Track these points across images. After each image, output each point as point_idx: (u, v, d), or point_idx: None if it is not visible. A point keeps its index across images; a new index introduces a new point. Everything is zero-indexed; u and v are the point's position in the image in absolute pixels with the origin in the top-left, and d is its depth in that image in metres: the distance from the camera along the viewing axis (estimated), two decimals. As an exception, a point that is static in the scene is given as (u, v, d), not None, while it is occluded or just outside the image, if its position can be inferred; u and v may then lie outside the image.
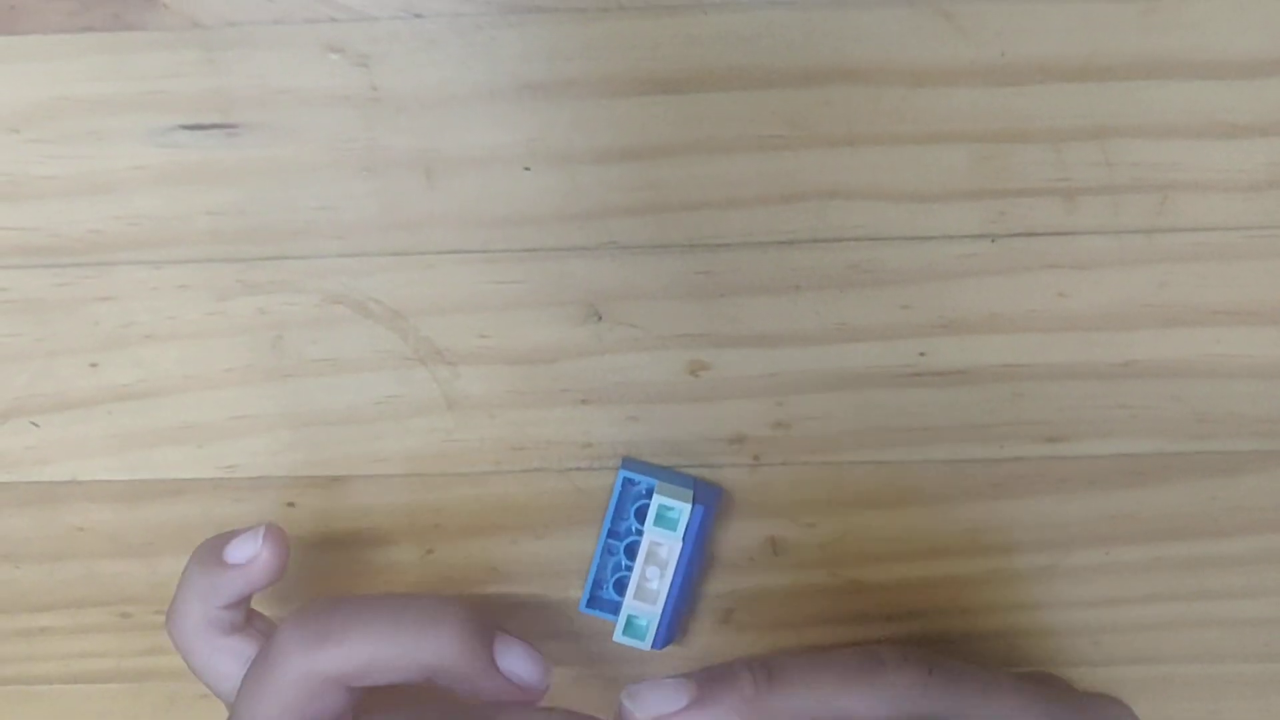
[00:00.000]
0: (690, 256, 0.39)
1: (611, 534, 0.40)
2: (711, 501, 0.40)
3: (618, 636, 0.39)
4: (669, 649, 0.42)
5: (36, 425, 0.41)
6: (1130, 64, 0.37)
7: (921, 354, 0.39)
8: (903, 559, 0.41)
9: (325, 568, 0.42)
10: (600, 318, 0.40)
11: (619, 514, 0.40)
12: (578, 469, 0.41)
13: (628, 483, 0.39)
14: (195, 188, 0.39)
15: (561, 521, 0.41)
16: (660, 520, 0.38)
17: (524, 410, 0.40)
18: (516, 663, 0.36)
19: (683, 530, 0.38)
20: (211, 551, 0.37)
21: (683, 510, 0.38)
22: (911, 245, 0.39)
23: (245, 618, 0.38)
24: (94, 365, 0.40)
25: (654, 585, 0.39)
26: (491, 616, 0.37)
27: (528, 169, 0.38)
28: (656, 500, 0.38)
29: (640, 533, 0.39)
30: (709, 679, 0.34)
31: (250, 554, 0.37)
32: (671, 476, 0.40)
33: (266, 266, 0.40)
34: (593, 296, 0.39)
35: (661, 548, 0.39)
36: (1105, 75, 0.37)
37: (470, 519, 0.41)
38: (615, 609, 0.39)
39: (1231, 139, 0.38)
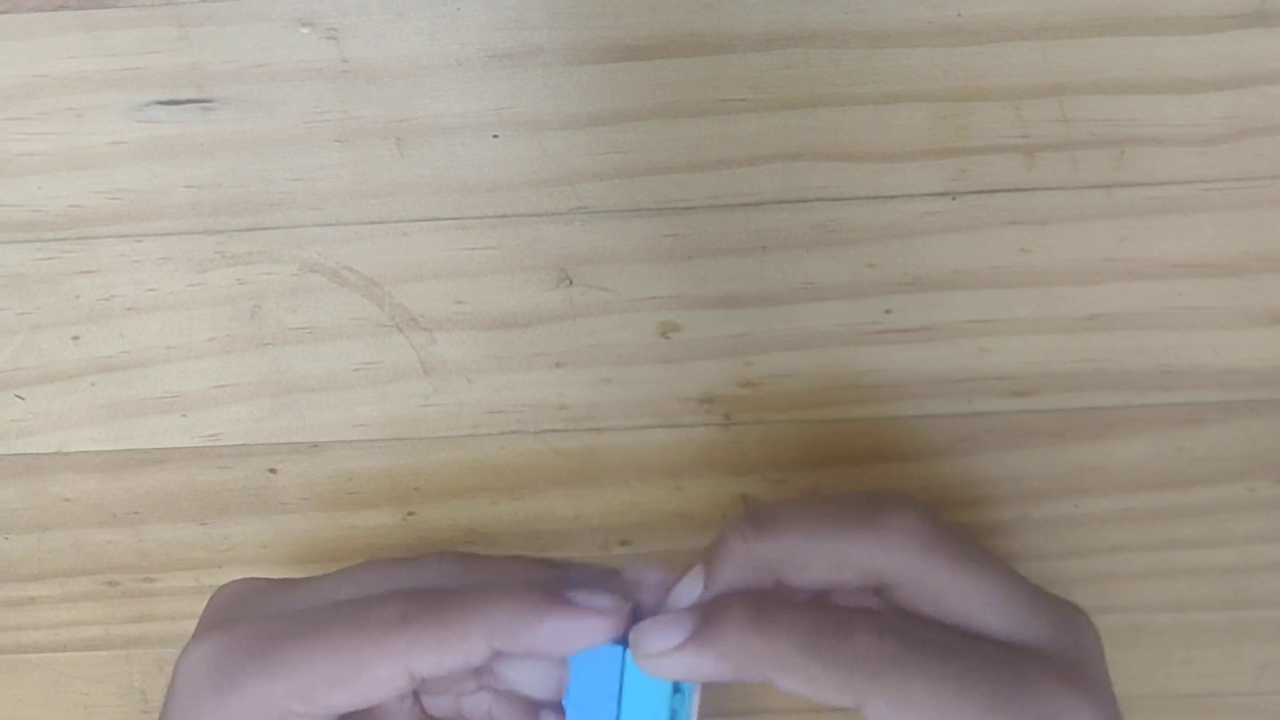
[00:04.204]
0: (658, 220, 0.40)
1: None
2: None
3: None
4: None
5: (21, 398, 0.42)
6: (1086, 21, 0.38)
7: (887, 311, 0.40)
8: (873, 513, 0.42)
9: (308, 533, 0.43)
10: (571, 282, 0.40)
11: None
12: (553, 431, 0.42)
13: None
14: (173, 162, 0.40)
15: (538, 483, 0.42)
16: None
17: (500, 374, 0.41)
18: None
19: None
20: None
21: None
22: (875, 204, 0.39)
23: None
24: (76, 338, 0.41)
25: None
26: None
27: (496, 136, 0.39)
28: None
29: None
30: (709, 561, 0.35)
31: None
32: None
33: (245, 237, 0.40)
34: (564, 261, 0.40)
35: None
36: (1061, 33, 0.38)
37: (449, 482, 0.42)
38: None
39: (1187, 93, 0.38)
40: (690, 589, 0.35)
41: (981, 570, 0.35)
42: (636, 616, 0.35)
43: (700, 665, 0.34)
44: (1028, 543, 0.42)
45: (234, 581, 0.39)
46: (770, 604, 0.34)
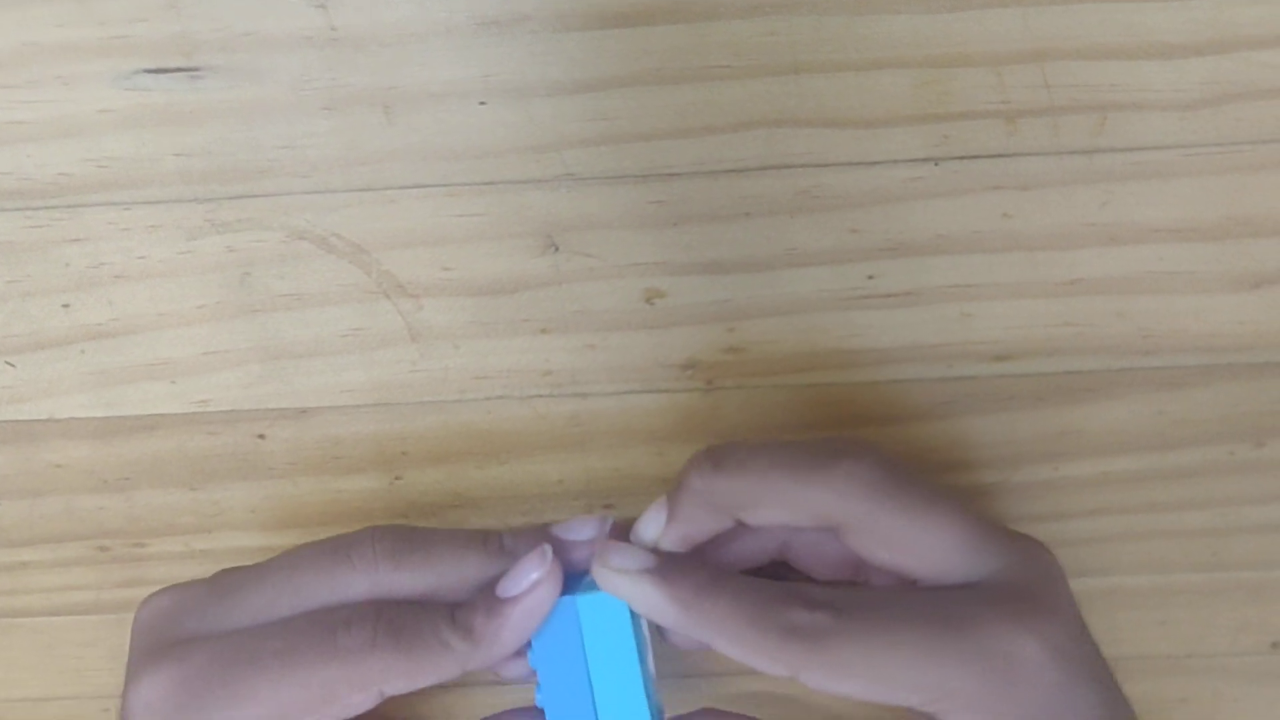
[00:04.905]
0: (644, 186, 0.40)
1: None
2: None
3: None
4: None
5: (12, 365, 0.42)
6: (1067, -12, 0.38)
7: (870, 276, 0.41)
8: (856, 477, 0.42)
9: (296, 497, 0.43)
10: (558, 248, 0.41)
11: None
12: (538, 396, 0.42)
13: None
14: (162, 130, 0.40)
15: (524, 447, 0.42)
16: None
17: (486, 340, 0.41)
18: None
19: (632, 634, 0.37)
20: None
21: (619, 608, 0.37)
22: (858, 170, 0.40)
23: None
24: (67, 306, 0.41)
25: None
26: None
27: (484, 103, 0.39)
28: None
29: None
30: (671, 496, 0.37)
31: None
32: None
33: (233, 205, 0.41)
34: (550, 228, 0.40)
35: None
36: (1042, -1, 0.38)
37: (436, 446, 0.42)
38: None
39: (1167, 59, 0.39)
40: (654, 520, 0.37)
41: (932, 515, 0.36)
42: (571, 568, 0.37)
43: (653, 599, 0.35)
44: (1007, 506, 0.42)
45: (155, 596, 0.39)
46: (725, 573, 0.36)
